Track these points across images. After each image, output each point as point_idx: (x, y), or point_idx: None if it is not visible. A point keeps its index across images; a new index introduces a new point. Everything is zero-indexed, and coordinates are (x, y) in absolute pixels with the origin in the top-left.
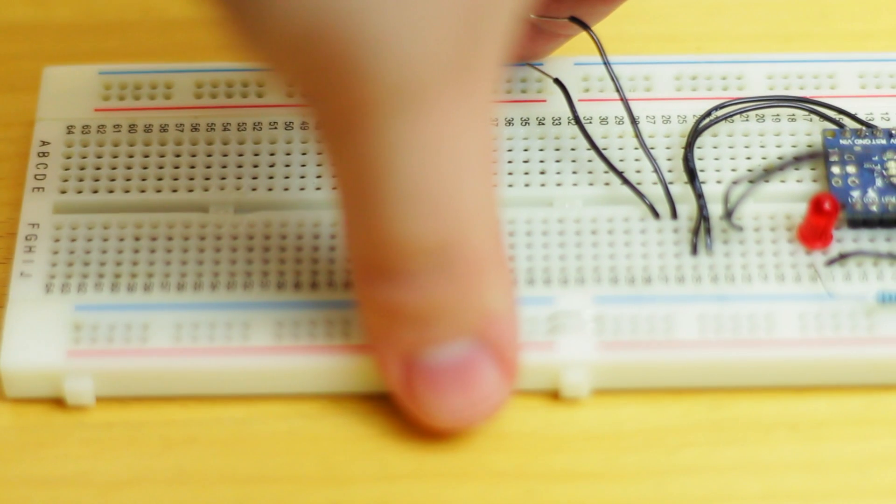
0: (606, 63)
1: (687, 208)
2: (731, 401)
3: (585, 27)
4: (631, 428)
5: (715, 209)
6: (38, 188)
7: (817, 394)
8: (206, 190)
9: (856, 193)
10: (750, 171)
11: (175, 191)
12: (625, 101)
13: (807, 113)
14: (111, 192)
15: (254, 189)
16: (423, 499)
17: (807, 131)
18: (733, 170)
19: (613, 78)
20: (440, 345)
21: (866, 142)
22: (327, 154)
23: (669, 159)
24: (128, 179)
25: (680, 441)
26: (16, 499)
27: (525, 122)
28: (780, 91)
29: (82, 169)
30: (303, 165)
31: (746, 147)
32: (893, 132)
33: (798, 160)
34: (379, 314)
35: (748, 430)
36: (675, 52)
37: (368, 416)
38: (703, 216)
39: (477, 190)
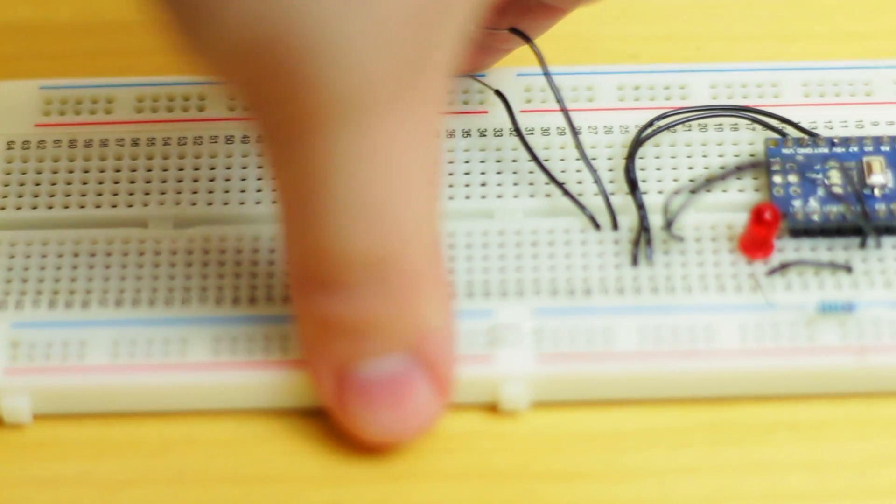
0: (547, 74)
1: (628, 219)
2: (731, 401)
3: (527, 39)
4: (631, 428)
5: (656, 220)
6: None
7: (817, 395)
8: (146, 205)
9: (797, 203)
10: (692, 181)
11: (115, 206)
12: (565, 111)
13: (749, 122)
14: (50, 207)
15: (193, 204)
16: (423, 499)
17: (749, 140)
18: (675, 180)
19: (554, 89)
20: (373, 358)
21: (808, 151)
22: (270, 164)
23: (611, 170)
24: (67, 195)
25: (680, 441)
26: (16, 499)
27: (466, 133)
28: (723, 100)
29: (22, 185)
30: (242, 180)
31: (689, 157)
32: (835, 141)
33: (740, 169)
34: (314, 326)
35: (748, 430)
36: (670, 53)
37: None
38: (643, 227)
39: (419, 204)
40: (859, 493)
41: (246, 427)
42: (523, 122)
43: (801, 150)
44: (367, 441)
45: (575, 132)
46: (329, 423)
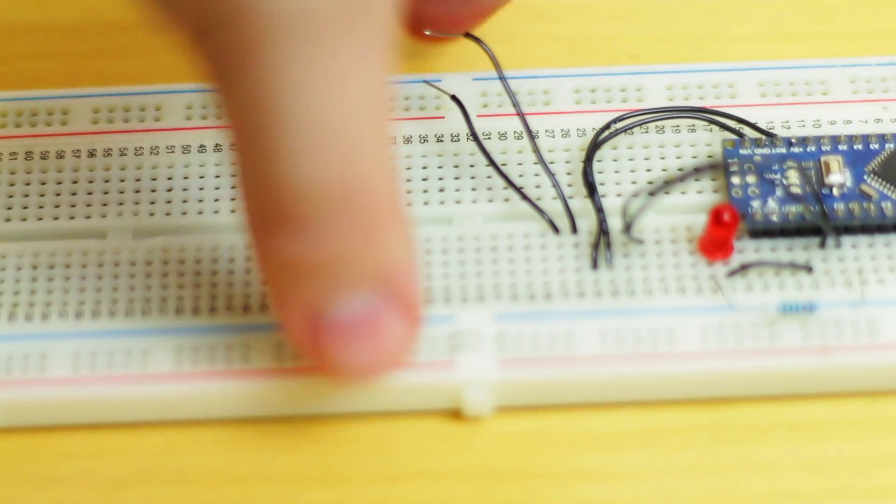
0: (502, 78)
1: (587, 223)
2: (731, 401)
3: (479, 42)
4: (631, 428)
5: (615, 223)
6: None
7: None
8: (104, 216)
9: (756, 203)
10: (650, 183)
11: (72, 218)
12: (521, 115)
13: (707, 123)
14: (8, 220)
15: (151, 214)
16: (423, 499)
17: (707, 142)
18: (634, 182)
19: (509, 93)
20: (344, 297)
21: (766, 151)
22: (220, 98)
23: (569, 173)
24: (25, 207)
25: (680, 441)
26: (16, 499)
27: (423, 139)
28: (679, 102)
29: None
30: (201, 189)
31: (646, 159)
32: (793, 141)
33: (698, 171)
34: (279, 269)
35: (748, 430)
36: (670, 53)
37: (368, 416)
38: (602, 230)
39: (375, 133)
40: (859, 493)
41: (246, 427)
42: (480, 126)
43: (759, 151)
44: (343, 379)
45: (532, 136)
46: (329, 424)
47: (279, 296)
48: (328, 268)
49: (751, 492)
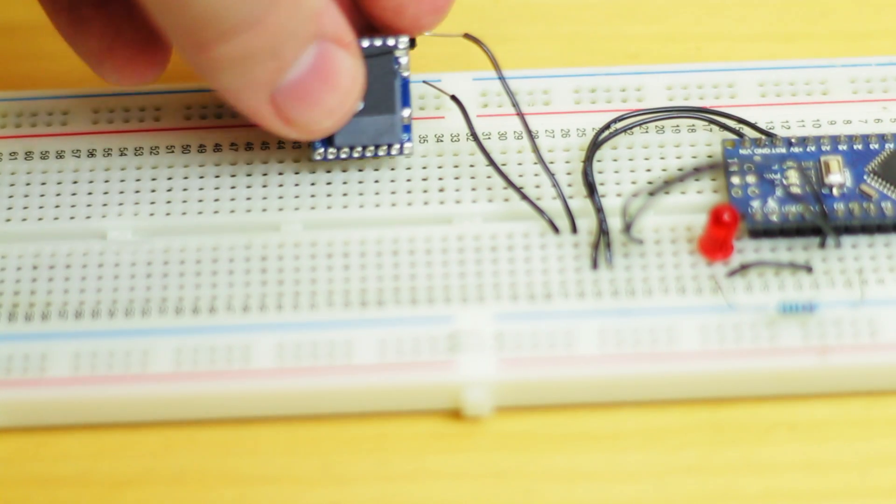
0: (501, 78)
1: (587, 222)
2: (731, 401)
3: (479, 43)
4: (631, 428)
5: (615, 223)
6: None
7: (817, 395)
8: (104, 217)
9: (756, 203)
10: (650, 183)
11: (73, 218)
12: (521, 115)
13: (707, 123)
14: (8, 220)
15: (152, 214)
16: (423, 499)
17: (707, 142)
18: (633, 182)
19: (509, 92)
20: (291, 61)
21: (766, 151)
22: None
23: (569, 173)
24: (25, 207)
25: (680, 441)
26: (16, 499)
27: (423, 139)
28: (679, 102)
29: None
30: (200, 189)
31: (646, 159)
32: (793, 141)
33: (698, 171)
34: (228, 70)
35: (748, 430)
36: (670, 53)
37: (368, 416)
38: (602, 230)
39: None
40: (859, 493)
41: (246, 427)
42: (480, 126)
43: (759, 151)
44: (320, 133)
45: (531, 135)
46: (328, 425)
47: (237, 94)
48: (269, 46)
49: (751, 492)
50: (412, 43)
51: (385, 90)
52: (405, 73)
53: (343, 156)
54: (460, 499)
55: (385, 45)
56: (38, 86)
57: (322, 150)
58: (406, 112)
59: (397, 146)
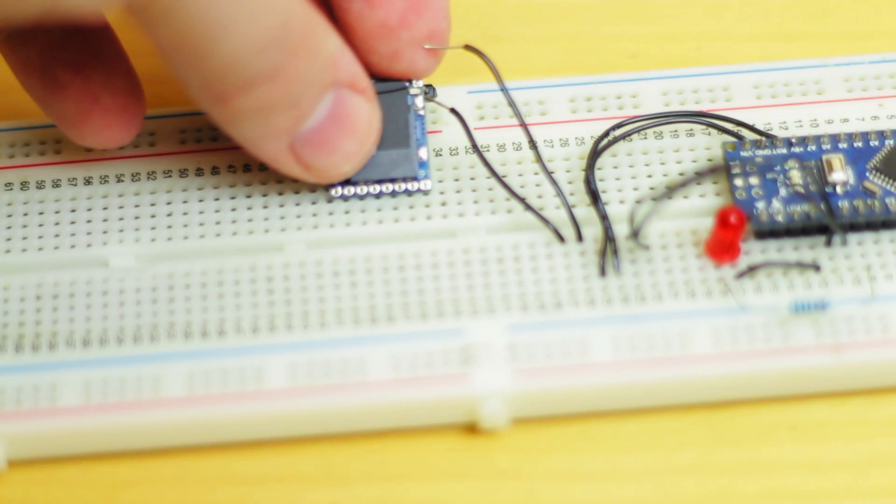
0: (504, 90)
1: (592, 230)
2: (730, 402)
3: (480, 55)
4: (630, 428)
5: (620, 229)
6: None
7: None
8: (105, 244)
9: (760, 204)
10: (652, 188)
11: (73, 247)
12: (524, 125)
13: (705, 127)
14: (8, 252)
15: (153, 240)
16: (423, 499)
17: (706, 145)
18: (635, 189)
19: (511, 103)
20: (308, 110)
21: (767, 152)
22: (150, 31)
23: (570, 182)
24: (24, 238)
25: (680, 441)
26: (16, 499)
27: None
28: (675, 107)
29: None
30: (201, 213)
31: (647, 165)
32: (793, 140)
33: (700, 175)
34: (249, 120)
35: (748, 430)
36: (670, 53)
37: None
38: (608, 237)
39: None
40: (859, 493)
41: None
42: (478, 139)
43: (760, 152)
44: (339, 176)
45: (535, 145)
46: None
47: (255, 142)
48: (288, 96)
49: (751, 492)
50: (433, 91)
51: (399, 124)
52: (420, 112)
53: (360, 193)
54: (461, 499)
55: (399, 81)
56: (29, 116)
57: (339, 188)
58: (423, 151)
59: (415, 184)
